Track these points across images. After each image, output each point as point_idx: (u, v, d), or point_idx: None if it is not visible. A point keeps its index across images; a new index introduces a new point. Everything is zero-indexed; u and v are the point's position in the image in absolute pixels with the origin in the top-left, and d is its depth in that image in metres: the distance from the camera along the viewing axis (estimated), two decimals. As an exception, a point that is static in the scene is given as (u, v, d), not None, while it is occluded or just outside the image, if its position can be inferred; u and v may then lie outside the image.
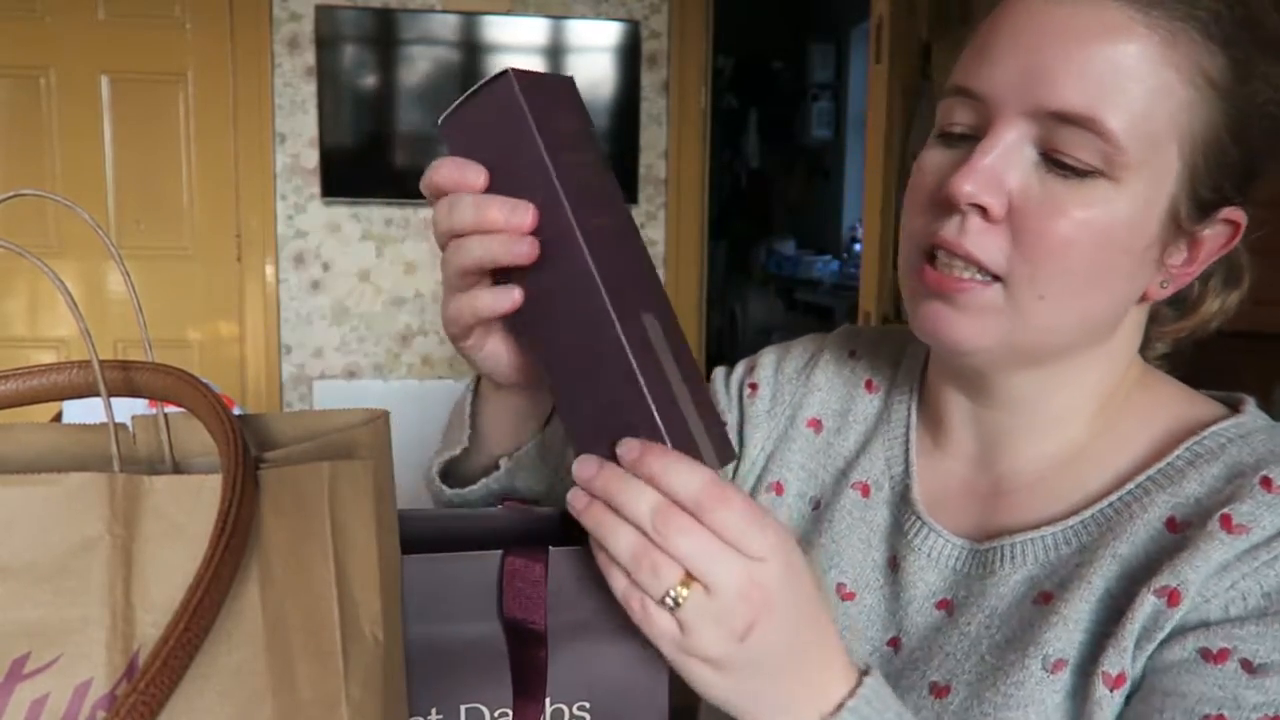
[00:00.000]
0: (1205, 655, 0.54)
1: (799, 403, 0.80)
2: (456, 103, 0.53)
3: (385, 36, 3.11)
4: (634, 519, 0.48)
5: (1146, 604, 0.56)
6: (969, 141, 0.60)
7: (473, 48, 3.15)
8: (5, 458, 0.44)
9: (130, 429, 0.45)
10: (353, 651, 0.41)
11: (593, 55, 3.20)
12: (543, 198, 0.50)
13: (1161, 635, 0.56)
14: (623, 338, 0.48)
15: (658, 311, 0.51)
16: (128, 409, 0.45)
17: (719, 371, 0.86)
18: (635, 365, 0.48)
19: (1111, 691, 0.56)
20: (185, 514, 0.39)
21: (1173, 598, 0.55)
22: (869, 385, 0.79)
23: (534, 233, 0.50)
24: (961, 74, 0.60)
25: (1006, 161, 0.57)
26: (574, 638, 0.55)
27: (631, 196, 3.30)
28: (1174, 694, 0.54)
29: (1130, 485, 0.62)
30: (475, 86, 0.51)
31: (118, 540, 0.38)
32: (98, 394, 0.44)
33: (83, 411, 0.53)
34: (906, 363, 0.78)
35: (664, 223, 3.40)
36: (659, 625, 0.48)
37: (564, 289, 0.50)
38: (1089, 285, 0.58)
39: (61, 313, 3.17)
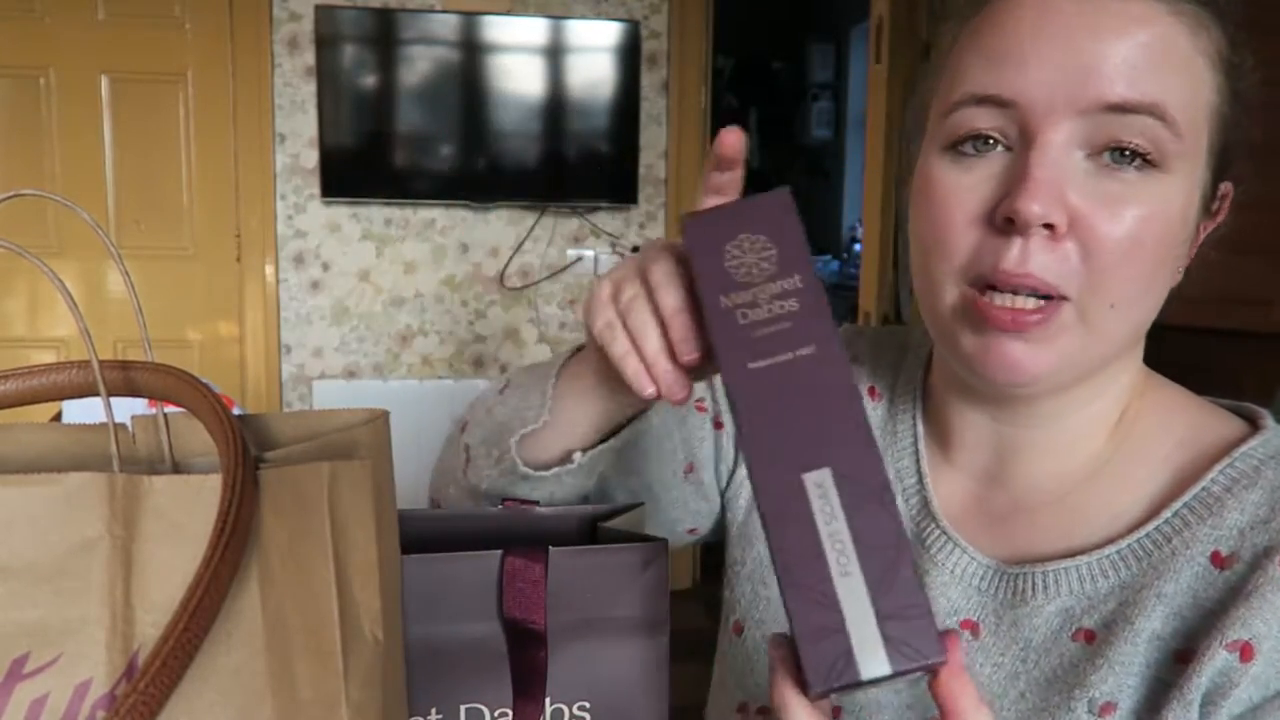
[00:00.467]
0: None
1: None
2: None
3: (385, 36, 3.11)
4: None
5: (1217, 658, 0.53)
6: (991, 154, 0.56)
7: (473, 48, 3.15)
8: (5, 458, 0.44)
9: (130, 429, 0.45)
10: (352, 651, 0.41)
11: (592, 55, 3.20)
12: (712, 339, 0.48)
13: (1239, 695, 0.53)
14: (763, 510, 0.44)
15: (837, 463, 0.44)
16: (128, 409, 0.45)
17: (705, 386, 0.83)
18: (773, 544, 0.43)
19: None
20: (185, 514, 0.39)
21: (1245, 652, 0.53)
22: (872, 392, 0.76)
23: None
24: (980, 81, 0.56)
25: (1063, 170, 0.54)
26: (574, 638, 0.55)
27: (631, 197, 3.30)
28: None
29: (1167, 514, 0.59)
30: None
31: (117, 540, 0.38)
32: (98, 394, 0.44)
33: (83, 411, 0.53)
34: (906, 369, 0.75)
35: (664, 223, 3.40)
36: None
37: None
38: (1153, 283, 0.57)
39: (61, 313, 3.17)
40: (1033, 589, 0.61)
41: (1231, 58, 0.57)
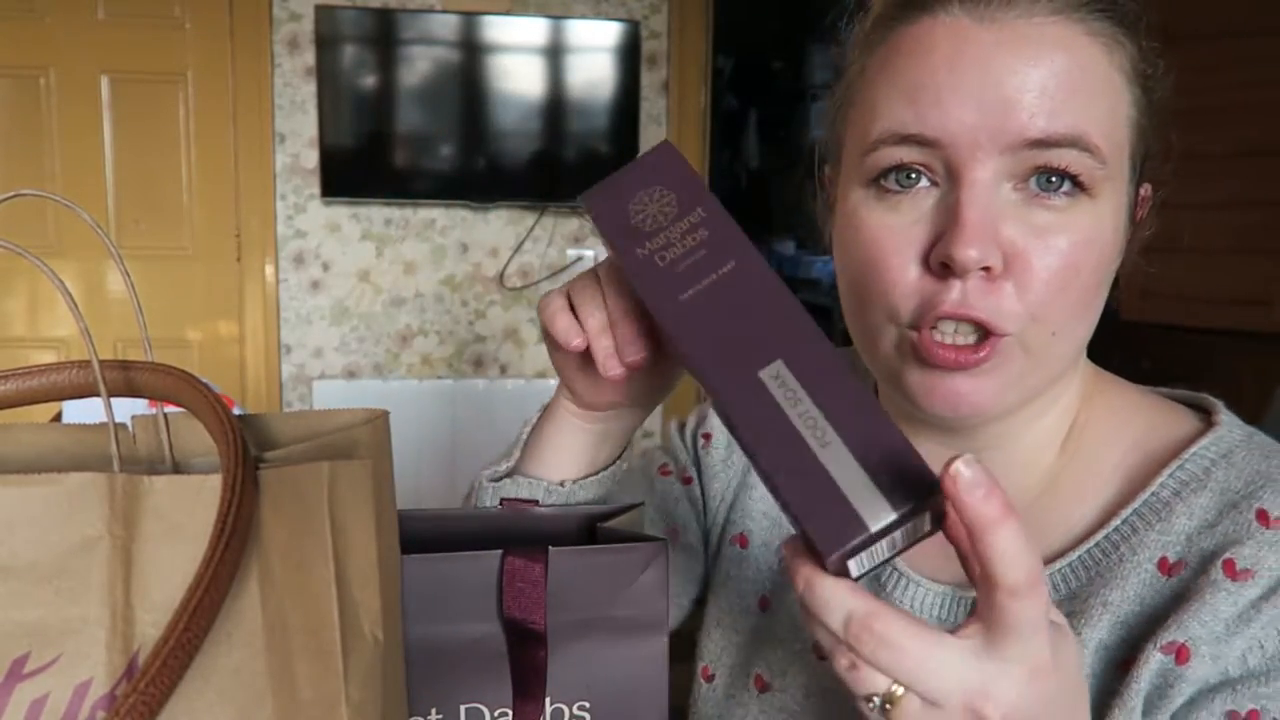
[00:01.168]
0: (1234, 719, 0.51)
1: (746, 466, 0.76)
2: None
3: (385, 36, 3.11)
4: (830, 629, 0.42)
5: (1153, 661, 0.53)
6: (917, 189, 0.55)
7: (472, 48, 3.15)
8: (5, 458, 0.44)
9: (130, 429, 0.45)
10: (352, 651, 0.41)
11: (592, 55, 3.20)
12: (638, 290, 0.51)
13: (1179, 698, 0.53)
14: (730, 411, 0.45)
15: (786, 352, 0.46)
16: (128, 409, 0.45)
17: (673, 424, 0.83)
18: (748, 439, 0.44)
19: None
20: (185, 514, 0.39)
21: (1181, 654, 0.53)
22: None
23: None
24: (899, 118, 0.54)
25: (993, 209, 0.53)
26: (574, 638, 0.55)
27: (631, 196, 3.30)
28: None
29: (1116, 522, 0.58)
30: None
31: (118, 540, 0.38)
32: (98, 394, 0.44)
33: (83, 411, 0.53)
34: None
35: (664, 223, 3.40)
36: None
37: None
38: (1090, 306, 0.57)
39: (61, 313, 3.16)
40: None
41: (1144, 68, 0.56)
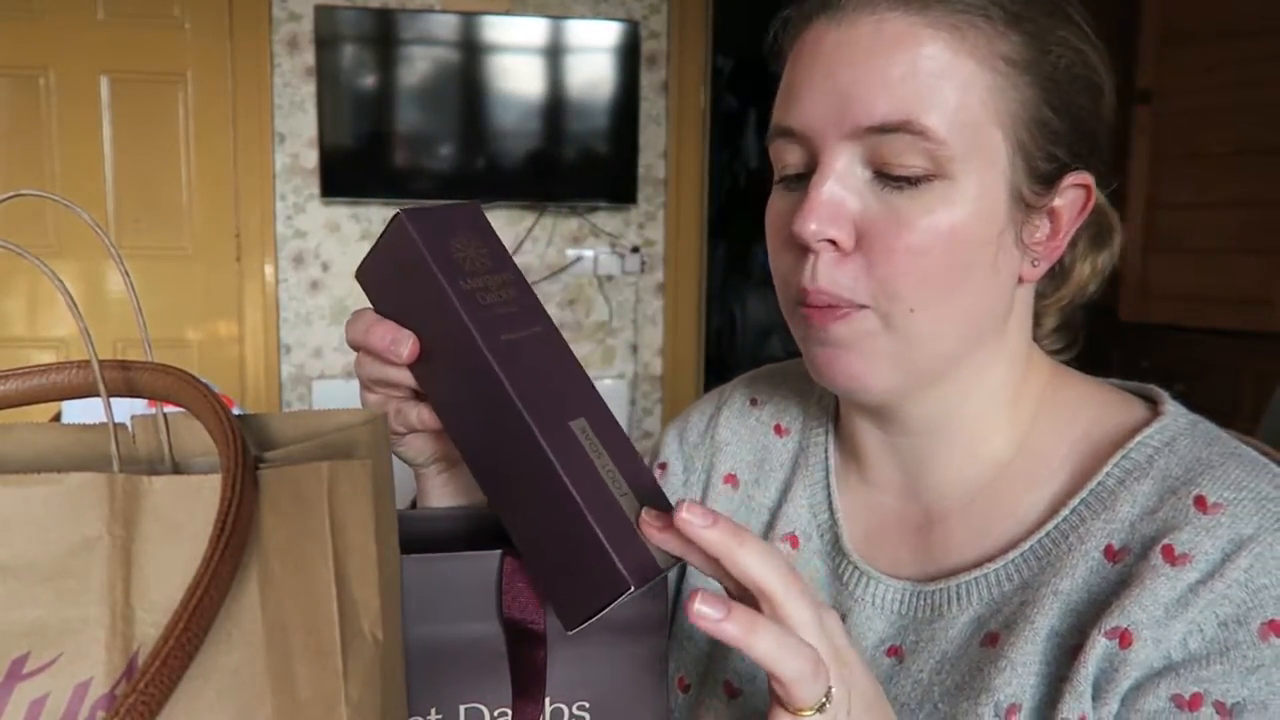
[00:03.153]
0: (1179, 702, 0.53)
1: (710, 465, 0.79)
2: (366, 254, 0.57)
3: (384, 36, 3.11)
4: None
5: (1098, 646, 0.55)
6: (804, 180, 0.60)
7: (472, 48, 3.15)
8: (5, 458, 0.44)
9: (130, 429, 0.45)
10: (352, 651, 0.41)
11: (592, 55, 3.20)
12: (452, 325, 0.52)
13: (1125, 682, 0.54)
14: (548, 450, 0.49)
15: (589, 414, 0.52)
16: (127, 409, 0.45)
17: None
18: (566, 479, 0.49)
19: None
20: (185, 514, 0.39)
21: (1124, 639, 0.54)
22: (778, 430, 0.77)
23: (450, 358, 0.54)
24: (779, 115, 0.61)
25: (842, 189, 0.57)
26: (574, 638, 0.55)
27: (631, 197, 3.30)
28: None
29: (1065, 512, 0.60)
30: (379, 236, 0.56)
31: (117, 540, 0.38)
32: (97, 394, 0.44)
33: (82, 411, 0.53)
34: (816, 399, 0.77)
35: (663, 223, 3.40)
36: None
37: (486, 410, 0.52)
38: (955, 286, 0.58)
39: (61, 313, 3.16)
40: (947, 603, 0.63)
41: (1022, 54, 0.57)
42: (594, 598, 0.49)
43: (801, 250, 0.59)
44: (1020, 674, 0.57)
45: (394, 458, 0.51)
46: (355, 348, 0.58)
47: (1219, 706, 0.52)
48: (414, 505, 0.69)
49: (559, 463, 0.49)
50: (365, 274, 0.57)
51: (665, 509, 0.50)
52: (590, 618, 0.50)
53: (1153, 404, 0.64)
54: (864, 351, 0.59)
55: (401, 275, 0.54)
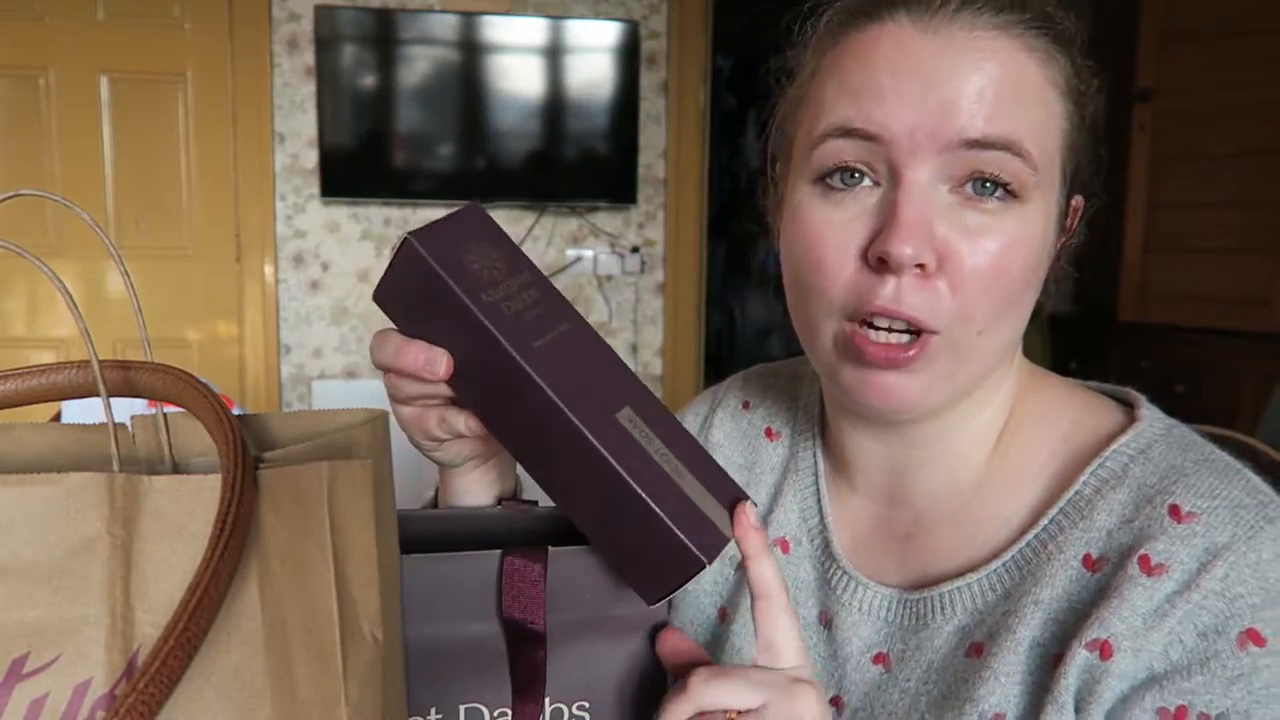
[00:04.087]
0: (1164, 716, 0.53)
1: None
2: (381, 277, 0.56)
3: (384, 36, 3.11)
4: (672, 710, 0.52)
5: (1079, 658, 0.55)
6: (859, 188, 0.57)
7: (472, 48, 3.15)
8: (5, 458, 0.44)
9: (130, 429, 0.45)
10: (352, 651, 0.41)
11: (592, 55, 3.20)
12: (483, 341, 0.52)
13: (1108, 693, 0.54)
14: (601, 449, 0.50)
15: (632, 400, 0.53)
16: (127, 409, 0.45)
17: None
18: (625, 473, 0.50)
19: None
20: (185, 514, 0.39)
21: (1104, 650, 0.54)
22: (769, 433, 0.78)
23: (486, 371, 0.53)
24: (844, 114, 0.57)
25: (929, 208, 0.55)
26: (573, 638, 0.55)
27: (630, 197, 3.30)
28: None
29: (1044, 522, 0.61)
30: (391, 259, 0.55)
31: (117, 540, 0.38)
32: (97, 394, 0.44)
33: (82, 411, 0.53)
34: (803, 403, 0.77)
35: (663, 223, 3.40)
36: None
37: (533, 416, 0.52)
38: (1017, 306, 0.59)
39: (61, 313, 3.16)
40: (932, 612, 0.63)
41: (1078, 85, 0.59)
42: (672, 577, 0.52)
43: (874, 268, 0.56)
44: (1004, 684, 0.57)
45: (393, 458, 0.50)
46: (385, 369, 0.57)
47: (1203, 718, 0.52)
48: (434, 501, 0.69)
49: (614, 459, 0.50)
50: (383, 296, 0.56)
51: (723, 476, 0.54)
52: (670, 594, 0.53)
53: (1129, 407, 0.64)
54: (924, 378, 0.58)
55: (422, 296, 0.53)
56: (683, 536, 0.50)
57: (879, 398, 0.59)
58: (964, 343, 0.57)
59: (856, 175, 0.57)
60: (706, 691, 0.52)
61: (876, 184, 0.57)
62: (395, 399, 0.59)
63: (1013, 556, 0.61)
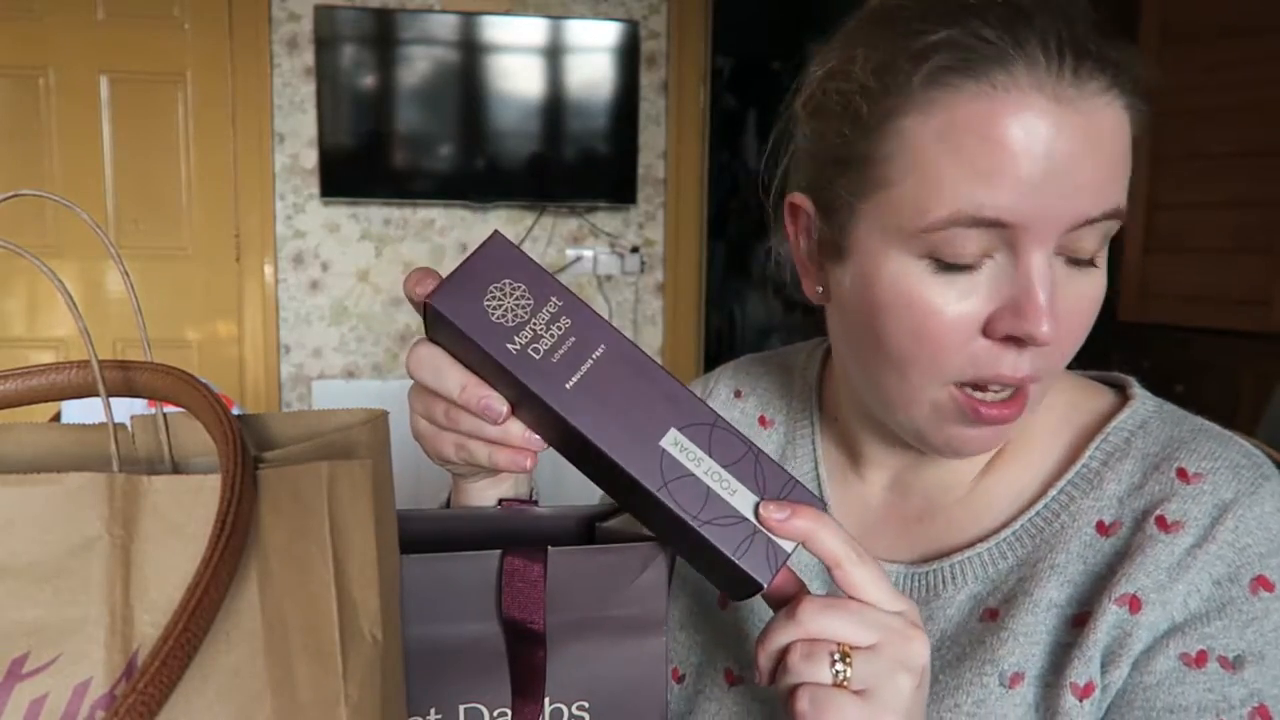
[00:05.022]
0: (1186, 660, 0.57)
1: None
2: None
3: (384, 36, 3.11)
4: (782, 636, 0.51)
5: (1109, 614, 0.58)
6: (981, 267, 0.56)
7: (472, 48, 3.15)
8: (5, 458, 0.44)
9: (129, 429, 0.45)
10: (351, 651, 0.41)
11: (592, 55, 3.20)
12: (517, 388, 0.52)
13: (1137, 645, 0.58)
14: (648, 487, 0.50)
15: (677, 420, 0.52)
16: (127, 409, 0.45)
17: None
18: (673, 506, 0.50)
19: (1081, 701, 0.58)
20: (184, 514, 0.39)
21: (1134, 605, 0.58)
22: (763, 421, 0.79)
23: (530, 410, 0.53)
24: (973, 201, 0.53)
25: (1054, 284, 0.55)
26: (573, 638, 0.55)
27: (630, 197, 3.30)
28: (1175, 709, 0.57)
29: (1053, 492, 0.64)
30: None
31: (117, 540, 0.38)
32: (97, 394, 0.44)
33: (82, 411, 0.53)
34: (797, 392, 0.78)
35: (662, 223, 3.40)
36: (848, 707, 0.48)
37: (580, 451, 0.53)
38: None
39: (61, 313, 3.16)
40: (943, 583, 0.65)
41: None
42: (738, 590, 0.53)
43: (1001, 342, 0.56)
44: (1023, 643, 0.60)
45: (393, 458, 0.50)
46: (431, 392, 0.55)
47: (1223, 660, 0.56)
48: (448, 504, 0.68)
49: (658, 492, 0.50)
50: (434, 339, 0.56)
51: (783, 482, 0.52)
52: (746, 598, 0.54)
53: (1120, 389, 0.68)
54: (1016, 419, 0.60)
55: (459, 349, 0.54)
56: (738, 562, 0.50)
57: (977, 447, 0.62)
58: (1048, 384, 0.61)
59: (985, 261, 0.56)
60: (818, 619, 0.50)
61: (994, 258, 0.56)
62: (422, 415, 0.57)
63: (1023, 525, 0.64)
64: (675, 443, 0.51)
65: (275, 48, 3.14)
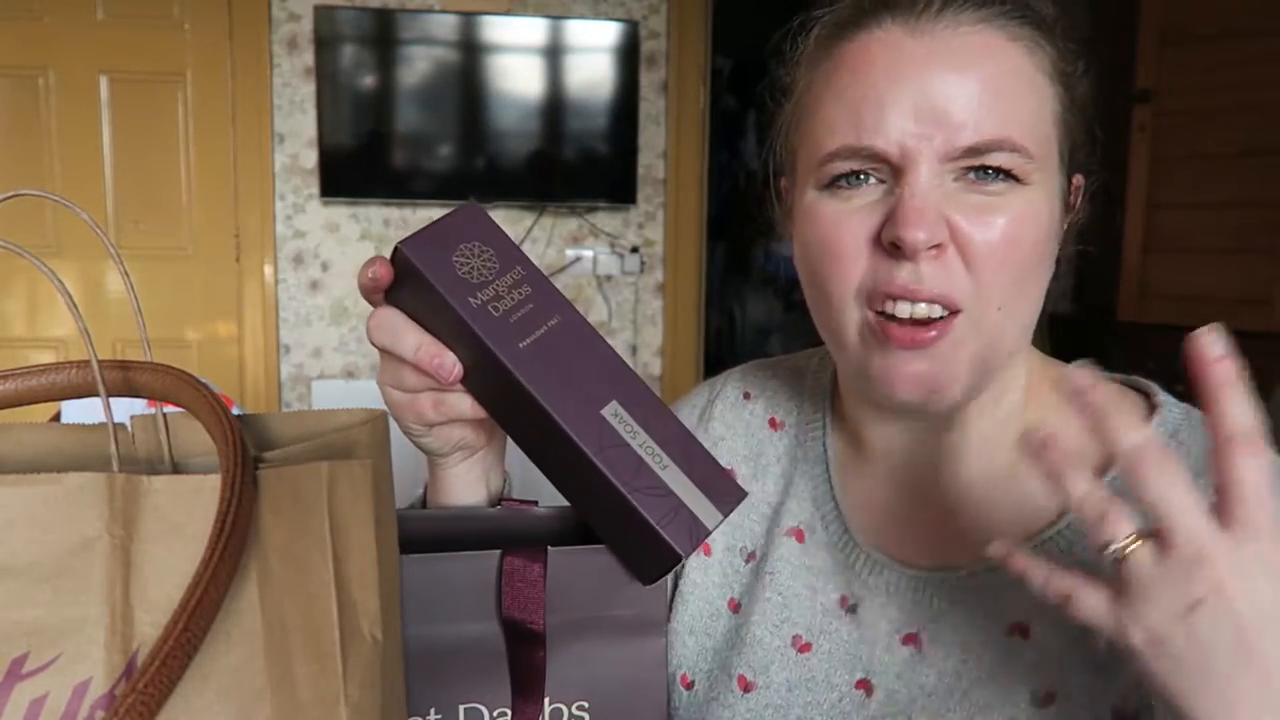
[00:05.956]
0: None
1: None
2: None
3: (384, 36, 3.11)
4: (1117, 446, 0.46)
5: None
6: (866, 186, 0.59)
7: (471, 48, 3.15)
8: (5, 458, 0.44)
9: (129, 429, 0.45)
10: (351, 651, 0.41)
11: (591, 55, 3.20)
12: (472, 342, 0.53)
13: None
14: (581, 445, 0.52)
15: (620, 394, 0.54)
16: (127, 409, 0.45)
17: None
18: (605, 469, 0.52)
19: None
20: (184, 514, 0.39)
21: None
22: (773, 423, 0.78)
23: (480, 369, 0.55)
24: (847, 134, 0.59)
25: (935, 195, 0.57)
26: (573, 638, 0.55)
27: (630, 197, 3.30)
28: None
29: None
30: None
31: (117, 540, 0.38)
32: (97, 394, 0.44)
33: (82, 411, 0.53)
34: (808, 394, 0.78)
35: (662, 223, 3.40)
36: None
37: (522, 411, 0.54)
38: (1032, 282, 0.60)
39: (61, 313, 3.16)
40: (964, 591, 0.63)
41: (1064, 68, 0.61)
42: (656, 566, 0.54)
43: (885, 254, 0.58)
44: (1057, 661, 0.59)
45: (392, 458, 0.50)
46: (389, 355, 0.57)
47: None
48: (424, 499, 0.68)
49: (595, 456, 0.52)
50: (390, 300, 0.58)
51: (712, 467, 0.54)
52: (658, 579, 0.56)
53: (1143, 395, 0.67)
54: (952, 361, 0.59)
55: (418, 300, 0.55)
56: (660, 531, 0.51)
57: (911, 386, 0.60)
58: (986, 321, 0.59)
59: (862, 177, 0.59)
60: (1164, 488, 0.45)
61: (881, 181, 0.59)
62: (392, 385, 0.59)
63: (1052, 537, 0.62)
64: (615, 414, 0.53)
65: (275, 48, 3.14)
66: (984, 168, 0.57)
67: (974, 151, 0.57)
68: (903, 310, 0.58)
